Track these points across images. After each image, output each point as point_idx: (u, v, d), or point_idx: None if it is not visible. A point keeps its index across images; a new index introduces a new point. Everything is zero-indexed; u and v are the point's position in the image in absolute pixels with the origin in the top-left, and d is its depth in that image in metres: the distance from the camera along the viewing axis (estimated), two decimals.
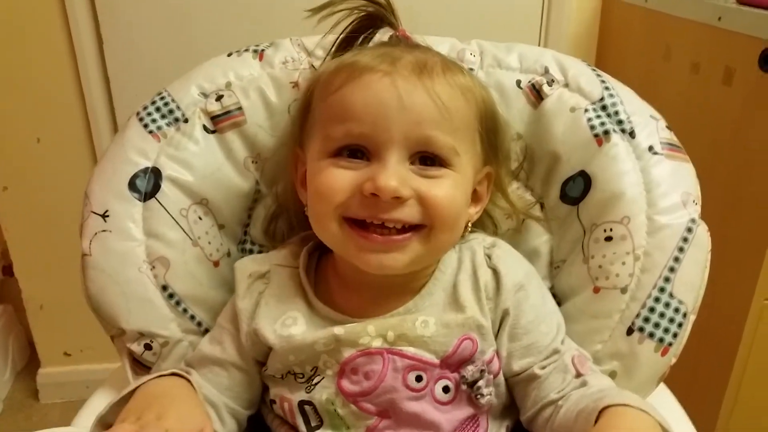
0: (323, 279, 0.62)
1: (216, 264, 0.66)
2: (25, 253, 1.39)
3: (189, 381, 0.56)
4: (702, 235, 0.61)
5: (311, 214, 0.58)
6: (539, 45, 1.30)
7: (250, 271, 0.62)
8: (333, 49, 0.64)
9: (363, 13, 0.62)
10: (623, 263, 0.60)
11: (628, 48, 1.24)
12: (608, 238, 0.61)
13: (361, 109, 0.54)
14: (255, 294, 0.61)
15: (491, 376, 0.57)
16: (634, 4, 1.20)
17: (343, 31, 0.62)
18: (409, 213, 0.54)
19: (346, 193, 0.54)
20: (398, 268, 0.55)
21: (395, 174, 0.52)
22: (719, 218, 0.95)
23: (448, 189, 0.55)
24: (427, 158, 0.55)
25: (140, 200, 0.63)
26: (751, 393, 0.97)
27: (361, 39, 0.63)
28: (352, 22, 0.62)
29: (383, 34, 0.63)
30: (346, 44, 0.63)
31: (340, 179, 0.54)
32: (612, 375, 0.59)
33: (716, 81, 0.97)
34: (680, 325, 0.59)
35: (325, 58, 0.66)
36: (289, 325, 0.58)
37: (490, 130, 0.60)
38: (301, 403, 0.57)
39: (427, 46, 0.62)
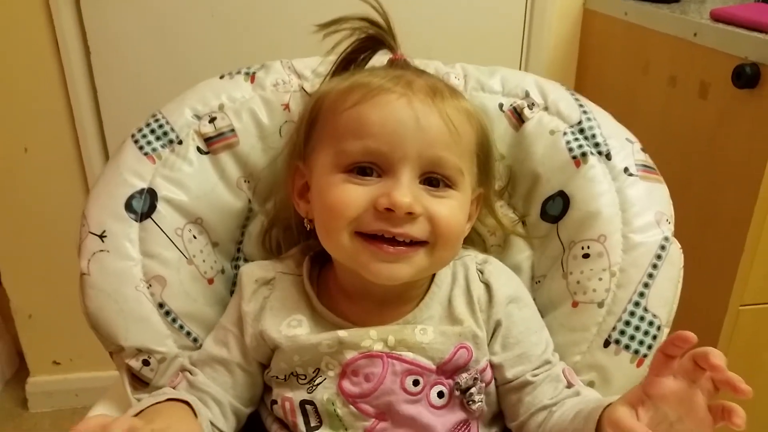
0: (326, 288, 0.64)
1: (210, 281, 0.68)
2: (12, 262, 1.38)
3: (189, 405, 0.57)
4: (675, 252, 0.64)
5: (320, 228, 0.60)
6: (521, 56, 1.32)
7: (257, 276, 0.64)
8: (333, 68, 0.66)
9: (364, 35, 0.63)
10: (600, 279, 0.63)
11: (609, 60, 1.26)
12: (586, 255, 0.64)
13: (379, 126, 0.55)
14: (260, 299, 0.63)
15: (483, 385, 0.60)
16: (614, 16, 1.21)
17: (344, 51, 0.64)
18: (418, 229, 0.56)
19: (360, 209, 0.55)
20: (404, 278, 0.57)
21: (409, 191, 0.55)
22: (694, 228, 0.97)
23: (454, 209, 0.58)
24: (433, 179, 0.57)
25: (136, 220, 0.65)
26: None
27: (360, 59, 0.65)
28: (353, 42, 0.64)
29: (381, 56, 0.65)
30: (346, 64, 0.65)
31: (354, 195, 0.55)
32: (590, 385, 0.62)
33: (692, 95, 0.99)
34: (654, 337, 0.62)
35: (326, 78, 0.67)
36: (294, 326, 0.61)
37: (485, 154, 0.63)
38: (303, 403, 0.59)
39: (429, 73, 0.64)
